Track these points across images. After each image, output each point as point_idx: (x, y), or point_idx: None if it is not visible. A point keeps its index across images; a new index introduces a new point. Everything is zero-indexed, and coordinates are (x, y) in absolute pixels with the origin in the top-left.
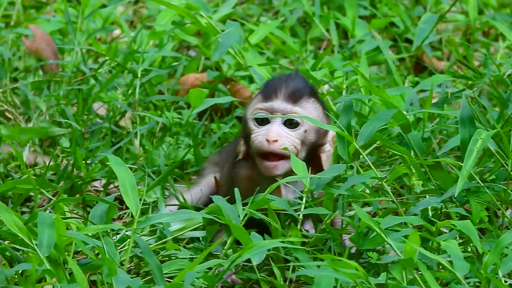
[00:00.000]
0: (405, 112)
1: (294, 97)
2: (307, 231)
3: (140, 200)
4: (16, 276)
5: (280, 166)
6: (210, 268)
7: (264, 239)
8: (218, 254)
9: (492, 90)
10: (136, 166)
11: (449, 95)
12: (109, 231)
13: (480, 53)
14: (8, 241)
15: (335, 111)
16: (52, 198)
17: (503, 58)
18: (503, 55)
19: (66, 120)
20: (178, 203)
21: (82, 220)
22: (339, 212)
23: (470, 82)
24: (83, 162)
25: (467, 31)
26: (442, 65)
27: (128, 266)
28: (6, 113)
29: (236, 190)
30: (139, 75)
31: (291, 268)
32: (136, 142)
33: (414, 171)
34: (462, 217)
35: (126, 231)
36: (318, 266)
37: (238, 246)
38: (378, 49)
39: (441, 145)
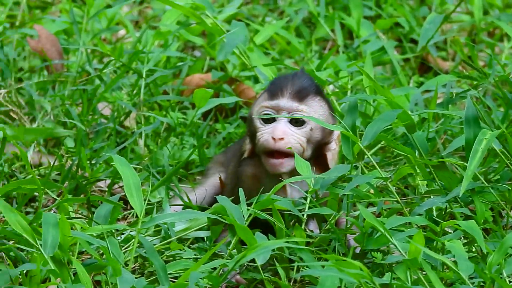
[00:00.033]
0: (410, 112)
1: (300, 95)
2: (311, 231)
3: (145, 200)
4: (20, 276)
5: (286, 164)
6: (214, 268)
7: (268, 239)
8: (223, 254)
9: (497, 90)
10: (141, 166)
11: (454, 95)
12: (113, 231)
13: (485, 53)
14: (13, 241)
15: (340, 111)
16: (56, 198)
17: (508, 58)
18: (508, 55)
19: (71, 120)
20: (182, 203)
21: (86, 220)
22: (343, 212)
23: (475, 83)
24: (88, 162)
25: (472, 32)
26: (447, 66)
27: (133, 266)
28: (11, 113)
29: (240, 190)
30: (144, 75)
31: (295, 268)
32: (141, 142)
33: (418, 171)
34: (467, 217)
35: (131, 231)
36: (323, 266)
37: (242, 246)
38: (383, 49)
39: (445, 145)
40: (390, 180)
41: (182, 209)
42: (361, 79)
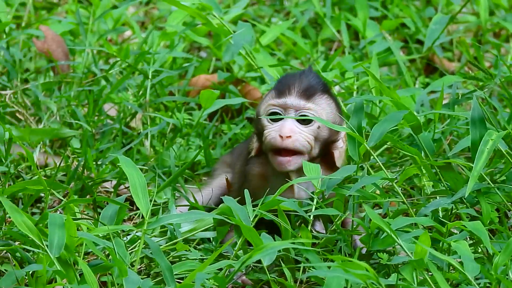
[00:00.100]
0: (415, 113)
1: (308, 94)
2: (318, 231)
3: (151, 201)
4: (26, 277)
5: (293, 162)
6: (220, 269)
7: (274, 240)
8: (229, 255)
9: (502, 91)
10: (147, 167)
11: (460, 96)
12: (119, 232)
13: (491, 54)
14: (19, 242)
15: (346, 112)
16: (62, 199)
17: None
18: None
19: (76, 121)
20: (188, 204)
21: (92, 221)
22: (349, 213)
23: (480, 83)
24: (94, 163)
25: (478, 32)
26: (453, 66)
27: (139, 267)
28: (17, 114)
29: (246, 191)
30: (150, 76)
31: (301, 269)
32: (147, 143)
33: (424, 172)
34: (473, 218)
35: (137, 232)
36: (329, 267)
37: (248, 247)
38: (389, 50)
39: (451, 146)
40: (396, 181)
41: (188, 209)
42: (367, 80)
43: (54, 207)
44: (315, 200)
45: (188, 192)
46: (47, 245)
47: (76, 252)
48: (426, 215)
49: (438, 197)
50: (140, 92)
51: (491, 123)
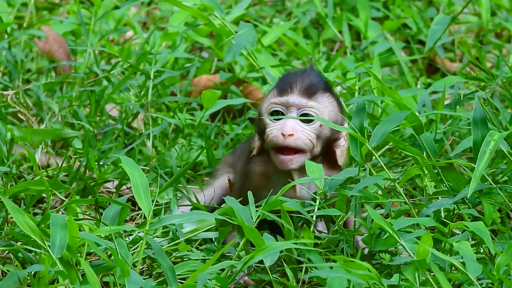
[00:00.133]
0: (417, 114)
1: (310, 92)
2: (320, 232)
3: (153, 201)
4: (28, 278)
5: (296, 160)
6: (222, 270)
7: (276, 240)
8: (231, 255)
9: (504, 92)
10: (149, 167)
11: (462, 96)
12: (121, 232)
13: (492, 54)
14: (21, 242)
15: (348, 112)
16: (64, 199)
17: None
18: None
19: (78, 122)
20: (190, 204)
21: (94, 221)
22: (351, 214)
23: (482, 84)
24: (96, 163)
25: (480, 33)
26: (455, 67)
27: (141, 267)
28: (19, 115)
29: (249, 192)
30: (151, 77)
31: (303, 269)
32: (149, 143)
33: (426, 172)
34: (475, 219)
35: (139, 232)
36: (331, 267)
37: (251, 247)
38: (391, 50)
39: (453, 147)
40: (398, 181)
41: (190, 210)
42: (368, 80)
43: (56, 207)
44: (317, 201)
45: (190, 192)
46: (49, 246)
47: (78, 252)
48: (428, 216)
49: (440, 198)
50: (142, 93)
51: (493, 124)
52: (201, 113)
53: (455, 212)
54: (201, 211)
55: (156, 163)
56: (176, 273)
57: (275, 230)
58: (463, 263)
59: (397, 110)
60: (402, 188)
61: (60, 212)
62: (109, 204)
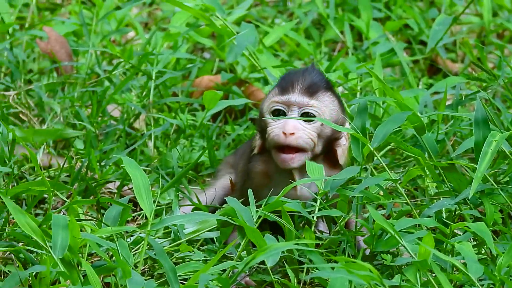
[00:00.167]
0: (419, 114)
1: (311, 91)
2: (321, 232)
3: (154, 202)
4: (30, 278)
5: (297, 159)
6: (224, 270)
7: (278, 241)
8: (232, 256)
9: (506, 92)
10: (150, 168)
11: (463, 97)
12: (123, 233)
13: (494, 55)
14: (22, 243)
15: (349, 113)
16: (66, 200)
17: None
18: None
19: (80, 122)
20: (192, 204)
21: (96, 222)
22: (353, 214)
23: (484, 84)
24: (97, 164)
25: (482, 33)
26: (456, 67)
27: (142, 268)
28: (21, 115)
29: (250, 191)
30: (153, 77)
31: (305, 270)
32: (150, 144)
33: (428, 173)
34: (476, 219)
35: (140, 233)
36: (332, 268)
37: (252, 248)
38: (393, 51)
39: (455, 147)
40: (399, 182)
41: (192, 210)
42: (370, 81)
43: (57, 208)
44: (318, 201)
45: (192, 193)
46: (50, 246)
47: (80, 253)
48: (429, 216)
49: (441, 198)
50: (144, 93)
51: (494, 124)
52: (202, 114)
53: (456, 212)
54: (203, 211)
55: (157, 163)
56: (178, 274)
57: (277, 229)
58: (464, 264)
59: (398, 110)
60: (403, 189)
61: (62, 213)
62: (111, 204)
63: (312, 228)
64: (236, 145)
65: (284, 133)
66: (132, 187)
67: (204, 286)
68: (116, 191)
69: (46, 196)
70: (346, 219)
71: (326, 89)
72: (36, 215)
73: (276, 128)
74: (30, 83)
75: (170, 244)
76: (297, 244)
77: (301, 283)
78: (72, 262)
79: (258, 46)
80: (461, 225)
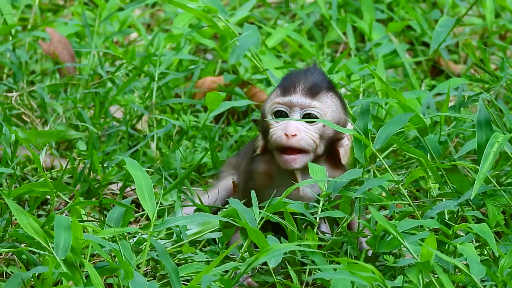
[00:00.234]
0: (421, 116)
1: (313, 91)
2: (323, 233)
3: (157, 203)
4: (32, 279)
5: (299, 160)
6: (226, 271)
7: (280, 242)
8: (235, 257)
9: (508, 94)
10: (153, 169)
11: (466, 98)
12: (125, 234)
13: (497, 56)
14: (25, 244)
15: (352, 114)
16: (68, 201)
17: None
18: None
19: (83, 123)
20: (194, 205)
21: (98, 223)
22: (355, 215)
23: (486, 86)
24: (100, 165)
25: (484, 35)
26: (459, 69)
27: (145, 269)
28: (23, 116)
29: (252, 193)
30: (156, 78)
31: (307, 271)
32: (153, 145)
33: (430, 174)
34: (479, 220)
35: (143, 234)
36: (335, 269)
37: (254, 249)
38: (395, 52)
39: (457, 149)
40: (402, 183)
41: (194, 211)
42: (373, 82)
43: (60, 209)
44: (321, 203)
45: (194, 194)
46: (53, 247)
47: (82, 254)
48: (432, 218)
49: (444, 200)
50: (146, 94)
51: (497, 125)
52: (205, 115)
53: (459, 214)
54: (205, 213)
55: (160, 165)
56: (180, 275)
57: (279, 230)
58: (467, 265)
59: (401, 112)
60: (406, 190)
61: (64, 214)
62: (113, 206)
63: (315, 229)
64: (239, 146)
65: (286, 135)
66: (135, 188)
67: (207, 287)
68: (118, 192)
69: (48, 197)
70: (348, 220)
71: (328, 90)
72: (39, 216)
73: (278, 130)
74: (32, 84)
75: (172, 245)
76: (299, 245)
77: (304, 284)
78: (75, 263)
79: (260, 47)
80: (463, 227)
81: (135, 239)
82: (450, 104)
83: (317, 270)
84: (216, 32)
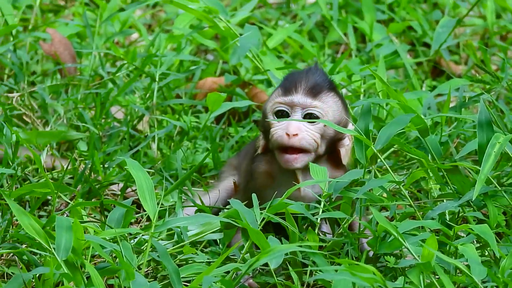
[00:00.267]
0: (422, 116)
1: (314, 91)
2: (324, 234)
3: (158, 204)
4: (33, 280)
5: (300, 159)
6: (227, 272)
7: (281, 242)
8: (236, 258)
9: (509, 94)
10: (154, 170)
11: (467, 99)
12: (126, 235)
13: (497, 57)
14: (26, 245)
15: (353, 115)
16: (69, 201)
17: None
18: None
19: (83, 124)
20: (195, 205)
21: (99, 224)
22: (356, 216)
23: (487, 86)
24: (101, 166)
25: (485, 35)
26: (460, 69)
27: (146, 270)
28: (24, 117)
29: (253, 195)
30: (157, 79)
31: (308, 272)
32: (154, 146)
33: (431, 175)
34: (480, 221)
35: (144, 235)
36: (336, 270)
37: (255, 250)
38: (396, 53)
39: (458, 149)
40: (403, 184)
41: (195, 212)
42: (374, 83)
43: (61, 210)
44: (322, 203)
45: (195, 195)
46: (54, 248)
47: (83, 255)
48: (433, 218)
49: (445, 200)
50: (147, 95)
51: (498, 126)
52: (206, 116)
53: (460, 214)
54: (206, 213)
55: (161, 165)
56: (181, 276)
57: (280, 230)
58: (468, 266)
59: (402, 112)
60: (407, 191)
61: (65, 215)
62: (114, 206)
63: (316, 230)
64: (240, 147)
65: (288, 134)
66: (136, 189)
67: None
68: (119, 193)
69: (49, 198)
70: (349, 221)
71: (329, 90)
72: (40, 217)
73: (279, 129)
74: (33, 85)
75: (173, 246)
76: (300, 246)
77: (305, 285)
78: (76, 264)
79: (261, 48)
80: (464, 227)
81: (136, 239)
82: (451, 104)
83: (318, 271)
84: (217, 32)
